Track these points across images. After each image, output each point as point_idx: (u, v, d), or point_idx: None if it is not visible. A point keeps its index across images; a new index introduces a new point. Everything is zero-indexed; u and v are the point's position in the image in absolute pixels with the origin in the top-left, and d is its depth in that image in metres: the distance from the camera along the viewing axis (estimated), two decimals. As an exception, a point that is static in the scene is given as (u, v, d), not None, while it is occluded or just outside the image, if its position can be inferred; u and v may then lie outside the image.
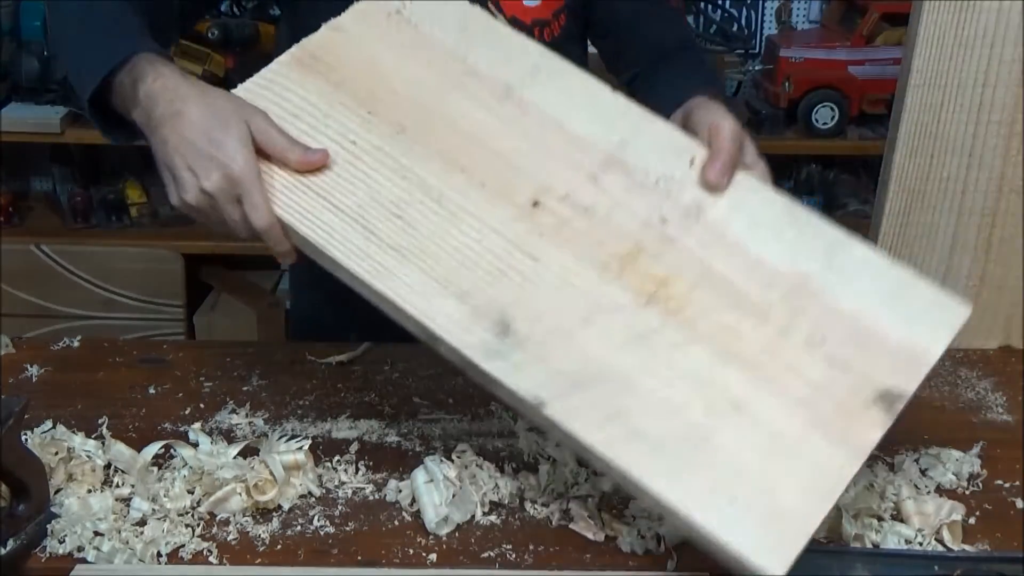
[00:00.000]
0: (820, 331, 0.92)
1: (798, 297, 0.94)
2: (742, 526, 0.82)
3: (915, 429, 1.06)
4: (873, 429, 0.88)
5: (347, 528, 0.95)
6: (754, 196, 0.99)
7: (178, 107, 0.94)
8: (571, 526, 0.95)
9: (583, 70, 1.06)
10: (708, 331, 0.92)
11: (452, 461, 1.00)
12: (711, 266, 0.95)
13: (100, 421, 1.07)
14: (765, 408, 0.88)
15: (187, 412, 1.12)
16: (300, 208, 0.98)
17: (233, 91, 1.03)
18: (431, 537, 0.94)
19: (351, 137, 1.02)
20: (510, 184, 1.00)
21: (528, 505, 0.98)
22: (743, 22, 2.80)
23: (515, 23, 1.23)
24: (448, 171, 1.01)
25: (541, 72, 1.05)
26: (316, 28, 1.11)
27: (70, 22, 1.07)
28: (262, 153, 0.97)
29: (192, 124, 0.93)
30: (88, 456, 1.01)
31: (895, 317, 0.93)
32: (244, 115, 0.96)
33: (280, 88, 1.05)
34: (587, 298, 0.94)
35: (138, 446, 1.03)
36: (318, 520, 0.96)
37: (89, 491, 0.97)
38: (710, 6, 2.77)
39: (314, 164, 0.97)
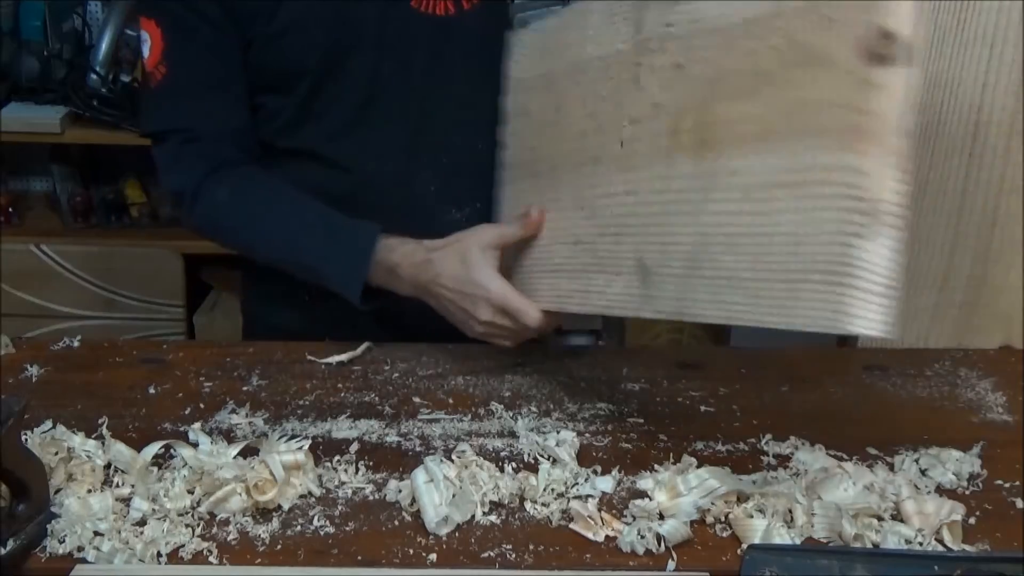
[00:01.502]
0: (797, 39, 0.84)
1: (782, 22, 0.85)
2: (834, 308, 0.81)
3: (915, 429, 1.06)
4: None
5: (347, 528, 0.95)
6: None
7: (432, 271, 1.15)
8: (571, 526, 0.95)
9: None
10: (742, 134, 0.89)
11: (452, 461, 1.00)
12: (713, 64, 0.92)
13: (100, 421, 1.07)
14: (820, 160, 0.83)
15: (187, 412, 1.12)
16: (550, 290, 1.12)
17: None
18: (431, 537, 0.94)
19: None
20: (612, 146, 1.05)
21: (528, 505, 0.98)
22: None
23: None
24: (576, 169, 1.10)
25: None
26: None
27: (282, 233, 1.23)
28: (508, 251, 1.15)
29: (449, 277, 1.14)
30: (88, 456, 1.01)
31: None
32: (473, 241, 1.14)
33: None
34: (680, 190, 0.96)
35: (138, 446, 1.03)
36: (318, 520, 0.96)
37: (89, 491, 0.97)
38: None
39: (541, 220, 1.14)
